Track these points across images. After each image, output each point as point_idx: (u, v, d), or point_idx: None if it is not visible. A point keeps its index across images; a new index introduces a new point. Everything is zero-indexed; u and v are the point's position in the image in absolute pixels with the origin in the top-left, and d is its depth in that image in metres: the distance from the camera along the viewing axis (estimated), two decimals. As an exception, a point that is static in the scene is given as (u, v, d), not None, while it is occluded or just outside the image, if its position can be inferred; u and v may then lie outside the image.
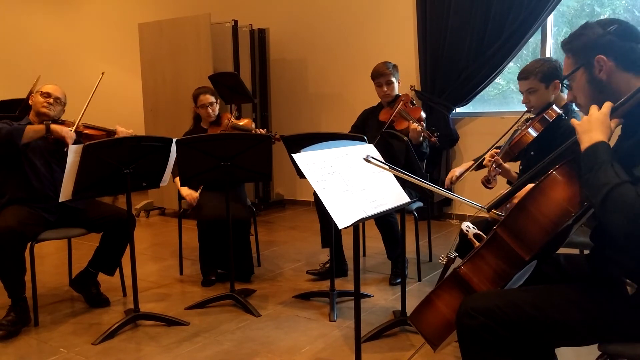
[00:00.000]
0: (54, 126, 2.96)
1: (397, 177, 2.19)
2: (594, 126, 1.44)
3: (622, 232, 1.31)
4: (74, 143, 2.91)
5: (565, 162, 1.51)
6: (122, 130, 3.18)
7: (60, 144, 3.04)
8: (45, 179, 3.04)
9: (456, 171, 2.97)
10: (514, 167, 2.69)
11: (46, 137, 3.06)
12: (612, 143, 1.51)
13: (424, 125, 3.43)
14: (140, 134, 3.14)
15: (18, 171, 2.99)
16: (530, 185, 1.58)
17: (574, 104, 2.62)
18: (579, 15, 4.85)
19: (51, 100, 3.11)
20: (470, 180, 5.05)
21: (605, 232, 1.57)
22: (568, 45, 1.59)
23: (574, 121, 1.51)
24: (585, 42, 1.54)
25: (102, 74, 3.22)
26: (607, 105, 1.46)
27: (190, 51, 5.47)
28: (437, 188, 1.87)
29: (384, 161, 2.01)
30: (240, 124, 3.93)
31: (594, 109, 1.48)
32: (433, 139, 3.30)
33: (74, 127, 3.09)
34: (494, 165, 2.59)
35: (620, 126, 1.51)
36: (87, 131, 3.18)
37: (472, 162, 2.99)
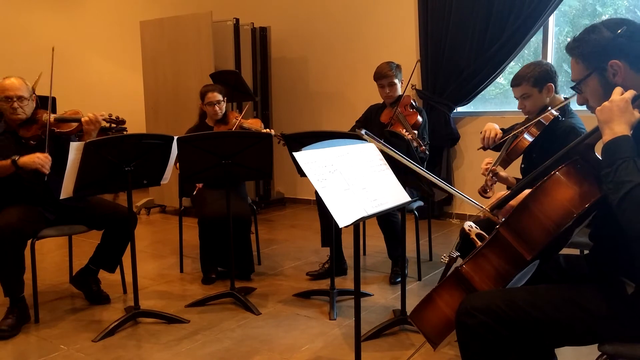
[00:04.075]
0: (22, 161, 2.74)
1: (398, 178, 2.19)
2: (616, 115, 1.40)
3: (638, 232, 1.29)
4: (73, 140, 2.88)
5: (568, 163, 1.50)
6: (88, 117, 2.93)
7: (40, 144, 2.88)
8: (38, 179, 2.96)
9: (498, 130, 2.78)
10: (511, 173, 2.68)
11: (27, 145, 2.90)
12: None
13: (416, 133, 3.41)
14: (140, 132, 3.12)
15: (13, 176, 2.90)
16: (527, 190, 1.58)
17: (570, 105, 2.64)
18: (580, 15, 4.84)
19: (15, 104, 2.87)
20: (470, 184, 5.08)
21: (605, 232, 1.57)
22: (576, 50, 1.55)
23: (597, 109, 1.46)
24: (595, 46, 1.50)
25: (53, 49, 2.94)
26: (631, 91, 1.42)
27: (192, 49, 5.47)
28: (447, 185, 1.87)
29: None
30: (249, 123, 3.91)
31: (616, 93, 1.43)
32: (422, 148, 3.27)
33: (47, 129, 2.87)
34: (490, 175, 2.59)
35: None
36: (59, 129, 2.94)
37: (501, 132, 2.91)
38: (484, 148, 2.79)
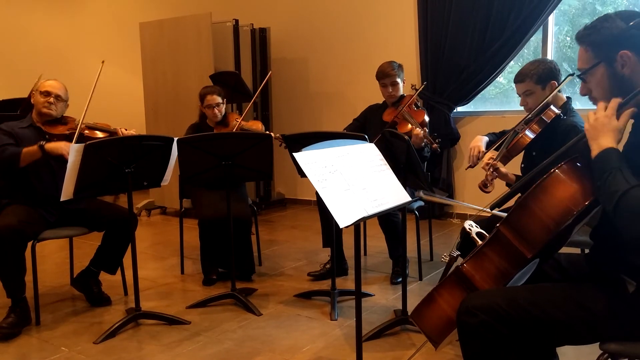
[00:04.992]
0: (48, 146, 2.87)
1: (399, 178, 2.20)
2: (600, 132, 1.43)
3: (635, 235, 1.31)
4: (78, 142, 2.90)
5: (568, 161, 1.50)
6: (124, 132, 3.14)
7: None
8: (47, 181, 3.03)
9: (481, 147, 2.88)
10: (511, 169, 2.68)
11: (50, 141, 2.98)
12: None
13: (427, 130, 3.41)
14: (141, 133, 3.13)
15: (22, 175, 2.97)
16: None
17: (572, 104, 2.64)
18: (580, 14, 4.84)
19: (51, 100, 3.05)
20: (470, 183, 5.07)
21: (606, 230, 1.57)
22: (587, 38, 1.53)
23: (585, 127, 1.49)
24: (606, 35, 1.48)
25: (102, 62, 3.13)
26: (613, 105, 1.43)
27: (192, 50, 5.47)
28: (471, 206, 1.88)
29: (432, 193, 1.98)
30: (249, 125, 3.90)
31: (599, 110, 1.45)
32: (434, 145, 3.27)
33: (77, 131, 3.02)
34: (491, 170, 2.59)
35: (632, 121, 1.48)
36: (88, 133, 3.10)
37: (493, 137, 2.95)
38: (471, 166, 2.81)
